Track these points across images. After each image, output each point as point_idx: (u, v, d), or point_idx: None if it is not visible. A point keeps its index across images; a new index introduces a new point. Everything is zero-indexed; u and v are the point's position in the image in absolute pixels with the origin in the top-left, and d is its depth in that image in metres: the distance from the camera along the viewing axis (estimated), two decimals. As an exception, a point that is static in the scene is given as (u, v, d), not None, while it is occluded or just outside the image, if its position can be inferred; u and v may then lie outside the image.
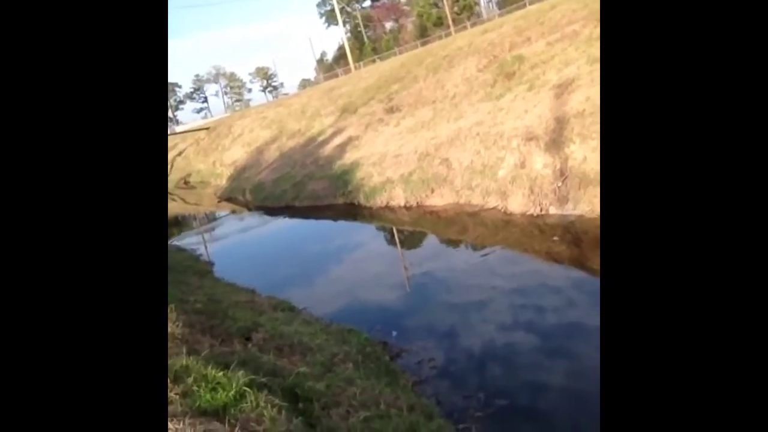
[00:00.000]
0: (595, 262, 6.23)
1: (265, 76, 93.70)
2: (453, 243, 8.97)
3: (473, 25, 40.15)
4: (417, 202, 10.82)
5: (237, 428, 2.54)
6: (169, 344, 3.54)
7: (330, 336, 5.24)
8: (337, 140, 16.89)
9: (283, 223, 13.83)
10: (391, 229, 10.74)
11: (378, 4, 73.11)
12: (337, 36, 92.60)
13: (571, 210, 7.87)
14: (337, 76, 46.14)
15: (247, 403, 2.82)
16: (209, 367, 3.11)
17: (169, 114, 77.10)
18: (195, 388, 2.86)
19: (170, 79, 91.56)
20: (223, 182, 22.87)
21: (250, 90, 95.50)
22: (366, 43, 68.03)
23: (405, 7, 69.30)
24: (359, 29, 71.43)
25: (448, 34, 39.46)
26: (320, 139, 18.62)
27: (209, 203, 21.33)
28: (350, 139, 16.05)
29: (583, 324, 5.01)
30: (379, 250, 9.93)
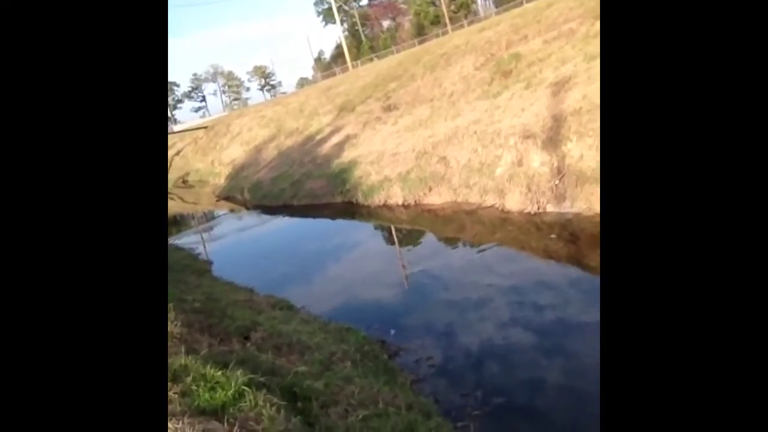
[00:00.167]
0: (593, 260, 6.25)
1: (263, 74, 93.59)
2: (451, 241, 8.98)
3: (470, 23, 40.15)
4: (415, 201, 10.84)
5: (236, 427, 2.55)
6: (168, 343, 3.56)
7: (328, 335, 5.25)
8: (335, 139, 16.89)
9: (281, 221, 13.83)
10: (389, 227, 10.75)
11: (375, 2, 73.04)
12: (334, 35, 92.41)
13: (569, 208, 7.89)
14: (334, 74, 46.11)
15: (245, 402, 2.83)
16: (208, 367, 3.12)
17: (167, 113, 76.97)
18: (194, 387, 2.87)
19: (169, 78, 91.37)
20: (221, 181, 22.87)
21: (248, 89, 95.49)
22: (363, 42, 67.95)
23: (402, 6, 69.23)
24: (357, 28, 71.36)
25: (445, 33, 39.45)
26: (318, 137, 18.62)
27: (207, 202, 21.32)
28: (348, 138, 16.05)
29: (580, 322, 5.03)
30: (377, 249, 9.94)
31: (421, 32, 55.77)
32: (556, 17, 14.29)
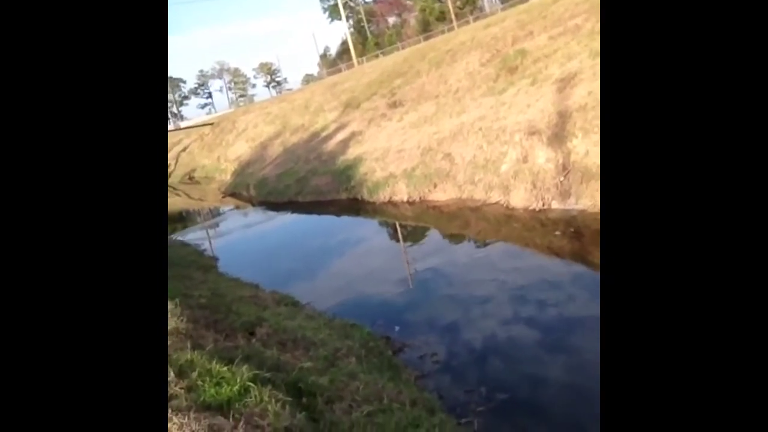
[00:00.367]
0: (597, 257, 6.24)
1: (269, 71, 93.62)
2: (455, 238, 8.98)
3: (476, 19, 40.01)
4: (420, 197, 10.84)
5: (241, 423, 2.58)
6: (174, 339, 3.58)
7: (333, 331, 5.27)
8: (341, 135, 16.90)
9: (286, 218, 13.87)
10: (394, 224, 10.76)
11: (381, -2, 72.88)
12: (340, 31, 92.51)
13: (574, 204, 7.88)
14: (340, 71, 46.05)
15: (251, 397, 2.85)
16: (213, 362, 3.14)
17: (174, 109, 77.18)
18: (199, 382, 2.89)
19: (174, 74, 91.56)
20: (227, 177, 22.91)
21: (254, 85, 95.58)
22: (369, 38, 67.84)
23: (408, 2, 68.99)
24: (362, 24, 71.23)
25: (450, 29, 39.32)
26: (323, 134, 18.63)
27: (213, 198, 21.38)
28: (353, 135, 16.06)
29: (584, 318, 5.03)
30: (382, 245, 9.95)
31: (426, 28, 55.58)
32: (561, 13, 14.24)
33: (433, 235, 9.47)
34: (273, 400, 2.86)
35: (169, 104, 78.56)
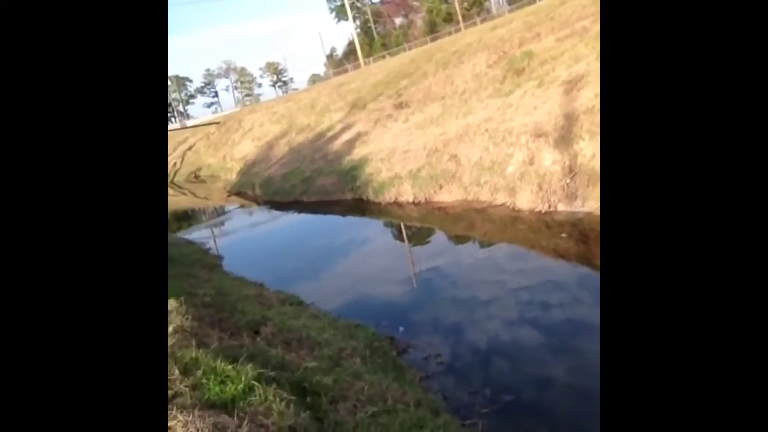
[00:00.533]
0: (604, 260, 6.21)
1: (275, 71, 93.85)
2: (460, 239, 8.97)
3: (483, 20, 39.98)
4: (425, 198, 10.83)
5: (245, 421, 2.57)
6: (179, 337, 3.58)
7: (337, 330, 5.27)
8: (346, 136, 16.91)
9: (291, 217, 13.88)
10: (399, 224, 10.76)
11: (388, -1, 72.94)
12: (346, 31, 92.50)
13: (580, 207, 7.86)
14: (346, 71, 46.12)
15: (255, 396, 2.84)
16: (218, 360, 3.14)
17: (180, 108, 77.40)
18: (204, 380, 2.89)
19: (181, 73, 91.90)
20: (233, 176, 22.97)
21: (260, 85, 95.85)
22: (375, 39, 67.89)
23: (415, 3, 69.02)
24: (369, 25, 71.30)
25: (457, 30, 39.31)
26: (329, 134, 18.65)
27: (219, 197, 21.43)
28: (359, 135, 16.06)
29: (589, 320, 5.01)
30: (387, 246, 9.95)
31: (433, 29, 55.58)
32: (569, 15, 14.21)
33: (438, 236, 9.46)
34: (277, 399, 2.86)
35: (176, 103, 78.87)
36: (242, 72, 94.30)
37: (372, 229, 11.17)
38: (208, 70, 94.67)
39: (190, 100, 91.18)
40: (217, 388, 2.82)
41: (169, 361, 2.97)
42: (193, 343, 3.41)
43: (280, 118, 26.72)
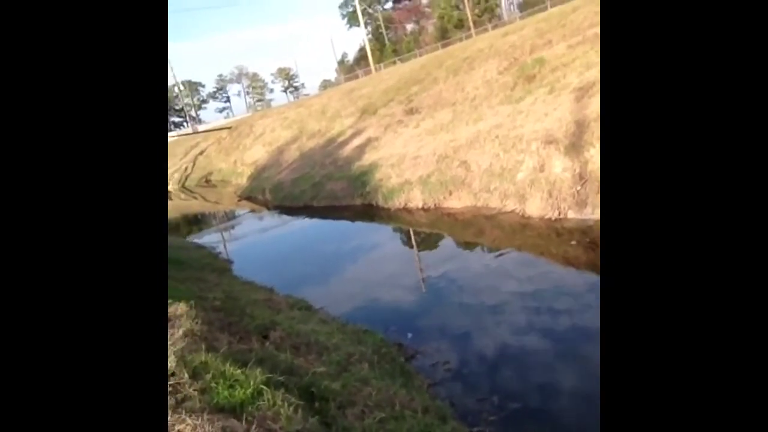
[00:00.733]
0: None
1: (287, 76, 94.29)
2: (469, 245, 8.96)
3: (494, 27, 40.00)
4: (434, 204, 10.83)
5: (254, 426, 2.58)
6: (189, 340, 3.60)
7: (346, 336, 5.28)
8: (357, 141, 16.95)
9: (301, 222, 13.92)
10: (408, 230, 10.76)
11: (399, 5, 73.13)
12: (358, 37, 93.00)
13: (590, 214, 7.82)
14: (357, 77, 46.23)
15: (264, 400, 2.86)
16: (227, 364, 3.16)
17: (192, 113, 77.90)
18: (213, 384, 2.91)
19: (194, 78, 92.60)
20: (243, 181, 23.08)
21: (271, 90, 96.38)
22: (387, 45, 68.06)
23: (426, 9, 69.21)
24: (380, 31, 71.50)
25: (468, 36, 39.36)
26: (340, 139, 18.71)
27: (229, 202, 21.54)
28: (369, 140, 16.10)
29: (598, 328, 4.98)
30: (396, 251, 9.95)
31: (444, 36, 55.67)
32: (580, 22, 14.19)
33: (447, 243, 9.45)
34: (286, 404, 2.87)
35: (188, 107, 79.37)
36: (254, 77, 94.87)
37: (381, 234, 11.18)
38: (220, 75, 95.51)
39: (203, 105, 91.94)
40: (225, 392, 2.84)
41: (179, 364, 3.00)
42: (203, 346, 3.43)
43: (291, 123, 26.84)
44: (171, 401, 2.65)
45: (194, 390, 2.79)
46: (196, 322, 4.07)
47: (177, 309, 4.18)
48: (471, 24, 49.83)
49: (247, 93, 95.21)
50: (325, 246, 11.16)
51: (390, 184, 12.29)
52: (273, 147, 24.93)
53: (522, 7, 53.13)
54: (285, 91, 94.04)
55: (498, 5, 60.44)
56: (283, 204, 15.96)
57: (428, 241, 9.91)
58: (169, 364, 2.93)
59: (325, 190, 14.52)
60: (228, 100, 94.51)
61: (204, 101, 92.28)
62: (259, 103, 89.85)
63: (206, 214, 21.54)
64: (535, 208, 8.66)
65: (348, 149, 16.72)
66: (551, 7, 30.22)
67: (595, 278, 6.32)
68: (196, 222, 20.11)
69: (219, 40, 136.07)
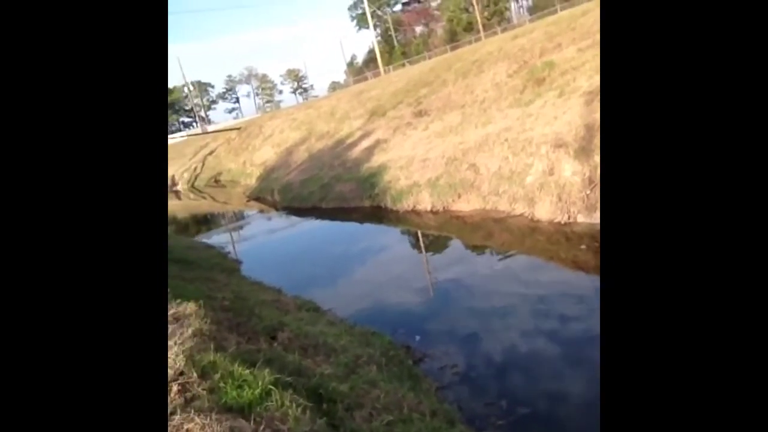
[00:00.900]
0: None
1: (296, 78, 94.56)
2: (478, 249, 8.93)
3: (504, 30, 39.94)
4: (443, 207, 10.81)
5: (262, 426, 2.58)
6: (197, 340, 3.61)
7: (354, 337, 5.27)
8: (365, 143, 16.96)
9: (309, 223, 13.94)
10: (416, 232, 10.75)
11: (409, 8, 73.21)
12: (367, 40, 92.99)
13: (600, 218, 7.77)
14: (366, 79, 46.27)
15: (272, 401, 2.85)
16: (236, 365, 3.16)
17: (202, 113, 78.26)
18: (221, 384, 2.91)
19: (203, 78, 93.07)
20: (252, 182, 23.15)
21: (280, 91, 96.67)
22: (396, 47, 68.12)
23: (435, 12, 69.22)
24: (390, 33, 71.57)
25: (478, 39, 39.31)
26: (348, 141, 18.72)
27: (238, 202, 21.61)
28: (378, 142, 16.10)
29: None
30: (404, 254, 9.94)
31: (453, 38, 55.65)
32: (591, 25, 14.13)
33: (456, 245, 9.43)
34: (294, 405, 2.87)
35: (197, 108, 79.78)
36: (263, 78, 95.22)
37: (389, 236, 11.17)
38: (229, 76, 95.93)
39: (212, 106, 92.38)
40: (234, 393, 2.84)
41: (188, 363, 3.00)
42: (212, 346, 3.44)
43: (300, 124, 26.90)
44: (180, 400, 2.65)
45: (203, 389, 2.79)
46: (205, 322, 4.07)
47: (186, 308, 4.18)
48: (480, 27, 49.79)
49: (257, 94, 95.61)
50: (334, 247, 11.17)
51: (398, 186, 12.28)
52: (282, 148, 24.99)
53: (532, 11, 53.05)
54: (294, 92, 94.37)
55: (507, 8, 60.38)
56: (291, 205, 15.99)
57: (436, 244, 9.89)
58: (177, 364, 2.94)
59: (334, 191, 14.53)
60: (237, 100, 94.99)
61: (213, 102, 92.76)
62: (268, 104, 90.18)
63: (215, 214, 21.62)
64: (545, 211, 8.63)
65: (357, 151, 16.72)
66: (561, 10, 30.15)
67: (604, 283, 6.27)
68: (206, 222, 20.19)
69: (228, 41, 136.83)
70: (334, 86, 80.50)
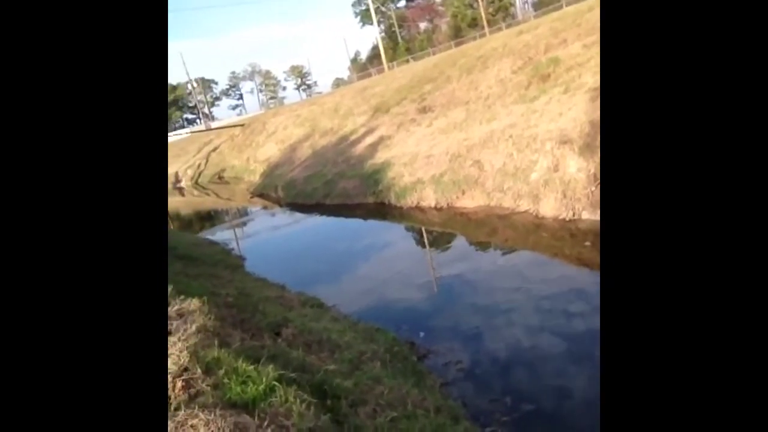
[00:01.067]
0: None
1: (300, 74, 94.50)
2: (482, 245, 8.92)
3: (508, 26, 39.81)
4: (447, 204, 10.79)
5: (266, 422, 2.58)
6: (201, 336, 3.61)
7: (358, 334, 5.27)
8: (369, 139, 16.94)
9: (313, 220, 13.94)
10: (420, 229, 10.73)
11: (413, 4, 72.98)
12: (371, 36, 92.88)
13: (605, 215, 7.74)
14: (370, 75, 46.23)
15: (276, 397, 2.85)
16: (240, 361, 3.16)
17: (205, 110, 78.35)
18: (226, 380, 2.91)
19: (207, 75, 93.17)
20: (256, 178, 23.17)
21: (284, 88, 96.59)
22: (400, 43, 67.97)
23: (440, 8, 69.01)
24: (393, 29, 71.40)
25: (482, 35, 39.22)
26: (352, 137, 18.70)
27: (242, 198, 21.64)
28: (382, 139, 16.08)
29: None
30: (408, 250, 9.93)
31: (458, 34, 55.47)
32: (596, 21, 14.04)
33: (460, 242, 9.42)
34: (298, 401, 2.86)
35: (201, 105, 79.84)
36: (267, 75, 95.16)
37: (393, 233, 11.16)
38: (233, 72, 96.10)
39: (216, 102, 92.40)
40: (238, 388, 2.84)
41: (192, 359, 3.00)
42: (216, 342, 3.43)
43: (304, 121, 26.89)
44: (184, 396, 2.65)
45: (207, 385, 2.78)
46: (209, 318, 4.07)
47: (190, 305, 4.18)
48: (485, 23, 49.62)
49: (260, 90, 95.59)
50: (337, 244, 11.17)
51: (402, 182, 12.27)
52: (285, 144, 25.00)
53: (536, 6, 52.84)
54: (298, 88, 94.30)
55: (512, 4, 60.14)
56: (295, 201, 15.99)
57: (441, 240, 9.88)
58: (182, 360, 2.94)
59: (338, 188, 14.53)
60: (241, 97, 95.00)
61: (217, 98, 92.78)
62: (272, 101, 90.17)
63: (219, 211, 21.65)
64: (549, 208, 8.60)
65: (360, 147, 16.71)
66: (566, 5, 30.01)
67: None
68: (209, 218, 20.22)
69: (232, 38, 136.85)
70: (338, 83, 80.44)
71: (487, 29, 45.17)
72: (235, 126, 38.01)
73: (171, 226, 18.26)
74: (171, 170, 32.26)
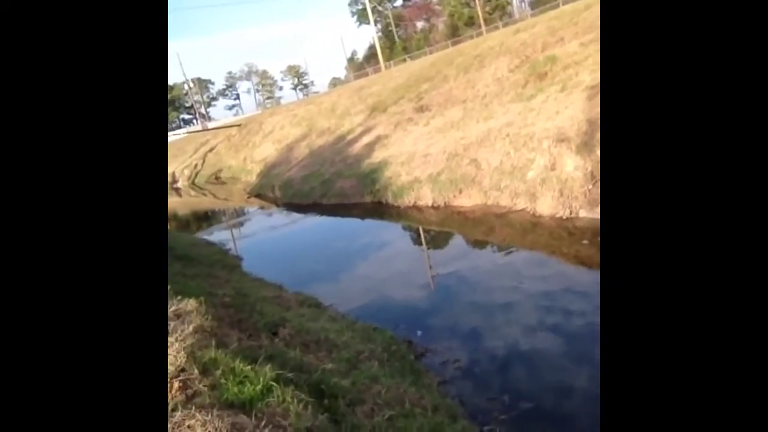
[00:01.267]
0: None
1: (297, 74, 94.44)
2: (479, 244, 8.92)
3: (505, 25, 39.83)
4: (444, 202, 10.79)
5: (263, 422, 2.57)
6: (199, 336, 3.60)
7: (355, 333, 5.26)
8: (366, 139, 16.94)
9: (310, 220, 13.93)
10: (418, 228, 10.73)
11: (410, 3, 72.98)
12: (368, 35, 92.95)
13: (602, 213, 7.75)
14: (367, 75, 46.17)
15: (273, 397, 2.85)
16: (237, 361, 3.15)
17: (202, 110, 78.26)
18: (223, 380, 2.90)
19: (203, 75, 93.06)
20: (253, 178, 23.15)
21: (281, 88, 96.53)
22: (397, 43, 67.97)
23: (436, 7, 69.02)
24: (390, 28, 71.39)
25: (479, 34, 39.23)
26: (349, 137, 18.70)
27: (239, 199, 21.61)
28: (379, 138, 16.08)
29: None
30: (405, 249, 9.93)
31: (455, 33, 55.48)
32: (593, 20, 14.07)
33: (457, 241, 9.42)
34: (295, 401, 2.86)
35: (198, 105, 79.74)
36: (264, 75, 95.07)
37: (391, 232, 11.16)
38: (230, 72, 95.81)
39: (212, 103, 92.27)
40: (235, 389, 2.83)
41: (189, 360, 2.99)
42: (213, 342, 3.42)
43: (301, 120, 26.87)
44: (181, 397, 2.64)
45: (204, 386, 2.78)
46: (207, 318, 4.06)
47: (187, 305, 4.17)
48: (482, 22, 49.66)
49: (257, 90, 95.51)
50: (335, 243, 11.16)
51: (400, 181, 12.26)
52: (282, 144, 24.98)
53: (533, 5, 52.86)
54: (294, 88, 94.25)
55: (509, 3, 60.23)
56: (292, 201, 15.98)
57: (438, 239, 9.88)
58: (179, 360, 2.93)
59: (335, 187, 14.52)
60: (238, 97, 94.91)
61: (214, 99, 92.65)
62: (269, 101, 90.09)
63: (216, 211, 21.63)
64: (546, 206, 8.61)
65: (358, 147, 16.70)
66: (563, 4, 30.03)
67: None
68: (206, 219, 20.20)
69: (228, 37, 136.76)
70: (335, 82, 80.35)
71: (484, 28, 45.20)
72: (231, 126, 37.97)
73: (168, 226, 18.23)
74: (168, 171, 32.20)
